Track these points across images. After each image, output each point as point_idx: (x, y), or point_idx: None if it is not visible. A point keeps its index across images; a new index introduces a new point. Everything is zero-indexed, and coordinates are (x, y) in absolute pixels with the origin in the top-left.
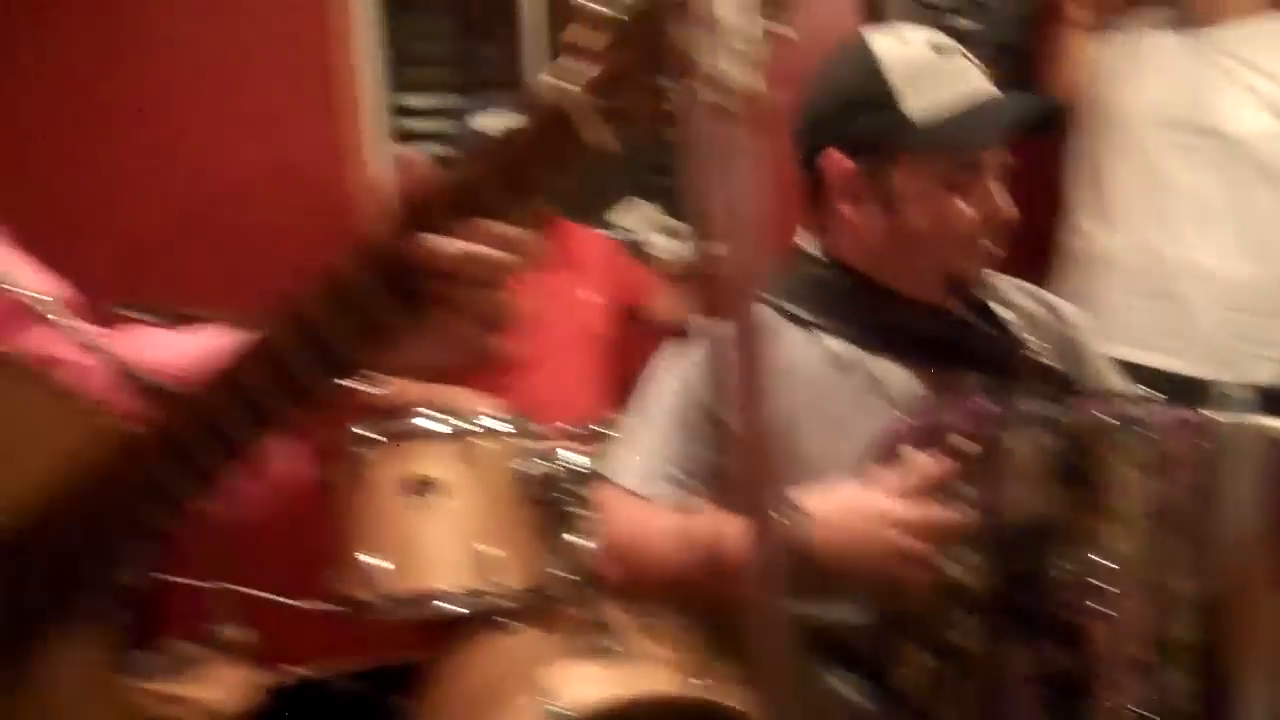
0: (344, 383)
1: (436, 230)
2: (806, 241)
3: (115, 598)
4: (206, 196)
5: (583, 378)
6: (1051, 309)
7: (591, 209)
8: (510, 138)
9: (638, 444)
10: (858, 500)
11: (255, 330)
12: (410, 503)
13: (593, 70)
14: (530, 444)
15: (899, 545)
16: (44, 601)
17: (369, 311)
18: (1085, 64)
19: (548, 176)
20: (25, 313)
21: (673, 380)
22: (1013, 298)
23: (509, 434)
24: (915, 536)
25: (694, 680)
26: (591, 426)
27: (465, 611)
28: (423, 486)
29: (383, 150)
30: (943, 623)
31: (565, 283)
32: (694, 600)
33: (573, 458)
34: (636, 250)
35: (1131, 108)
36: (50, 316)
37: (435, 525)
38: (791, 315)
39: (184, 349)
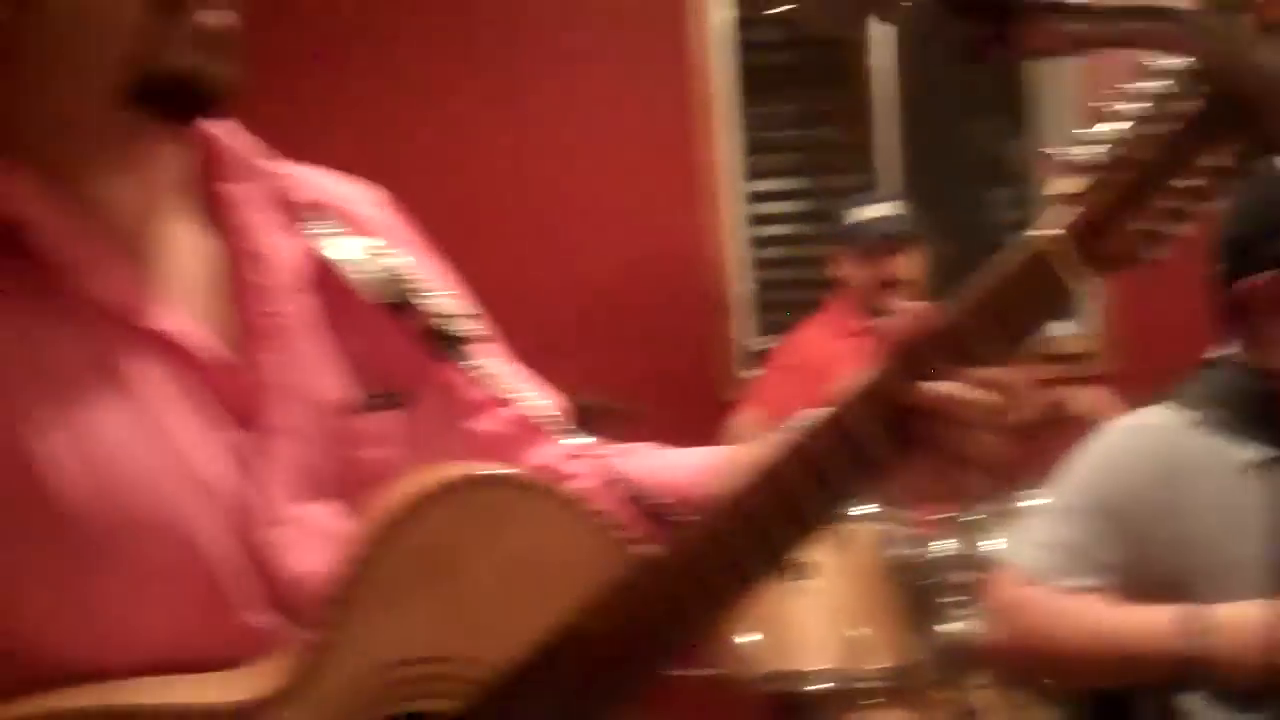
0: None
1: (931, 375)
2: (1224, 352)
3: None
4: (582, 289)
5: None
6: None
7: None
8: (996, 284)
9: (1047, 533)
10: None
11: (757, 458)
12: (783, 584)
13: (1072, 215)
14: (899, 529)
15: None
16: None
17: (868, 450)
18: None
19: (1032, 322)
20: (532, 428)
21: (1088, 474)
22: None
23: (879, 518)
24: None
25: None
26: (958, 514)
27: (831, 690)
28: (796, 568)
29: (740, 237)
30: None
31: None
32: (1090, 683)
33: (941, 543)
34: None
35: None
36: (554, 431)
37: (806, 606)
38: (1207, 421)
39: (676, 465)
